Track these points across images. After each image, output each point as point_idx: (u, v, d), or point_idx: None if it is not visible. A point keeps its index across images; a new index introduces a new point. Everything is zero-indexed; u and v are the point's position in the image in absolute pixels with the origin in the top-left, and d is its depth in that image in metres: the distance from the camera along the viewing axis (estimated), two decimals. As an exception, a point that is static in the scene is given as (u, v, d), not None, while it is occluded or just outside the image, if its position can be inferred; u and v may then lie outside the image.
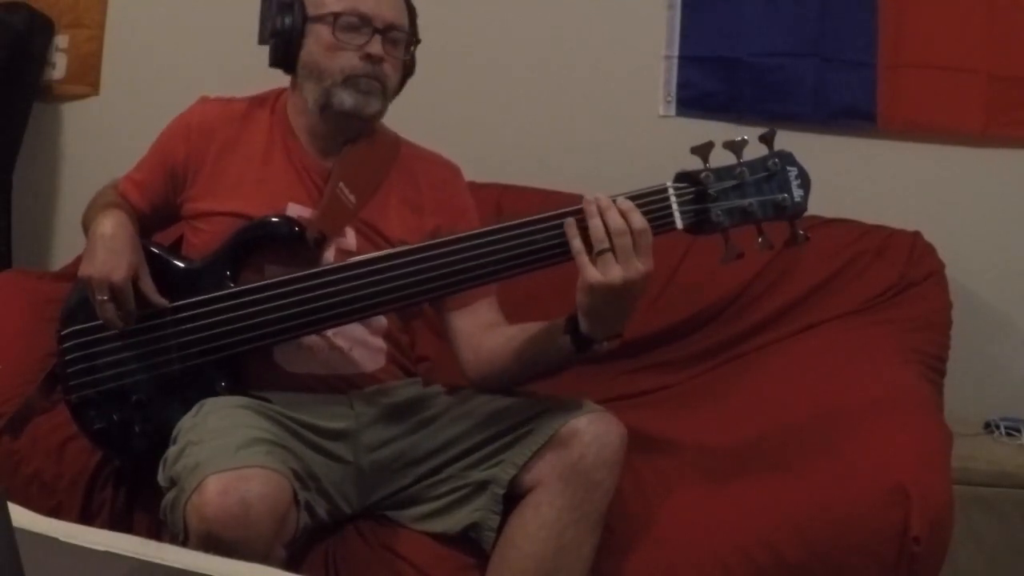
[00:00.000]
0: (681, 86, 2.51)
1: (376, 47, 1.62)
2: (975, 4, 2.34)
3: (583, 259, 1.41)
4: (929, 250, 2.25)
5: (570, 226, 1.43)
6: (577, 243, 1.42)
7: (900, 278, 2.18)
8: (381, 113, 1.69)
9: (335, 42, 1.62)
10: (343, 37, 1.62)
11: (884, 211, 2.33)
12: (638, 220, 1.40)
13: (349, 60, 1.62)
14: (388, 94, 1.67)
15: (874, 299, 2.16)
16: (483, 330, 1.67)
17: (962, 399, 2.16)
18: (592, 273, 1.40)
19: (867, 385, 1.78)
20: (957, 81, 2.35)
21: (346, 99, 1.63)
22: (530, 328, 1.61)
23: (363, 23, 1.62)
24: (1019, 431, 2.21)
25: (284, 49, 1.66)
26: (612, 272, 1.39)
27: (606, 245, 1.39)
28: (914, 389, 1.79)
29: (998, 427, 2.24)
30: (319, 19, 1.64)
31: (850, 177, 2.42)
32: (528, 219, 1.49)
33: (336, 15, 1.62)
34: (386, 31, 1.63)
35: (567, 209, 1.45)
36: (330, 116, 1.67)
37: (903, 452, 1.54)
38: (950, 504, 1.49)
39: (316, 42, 1.64)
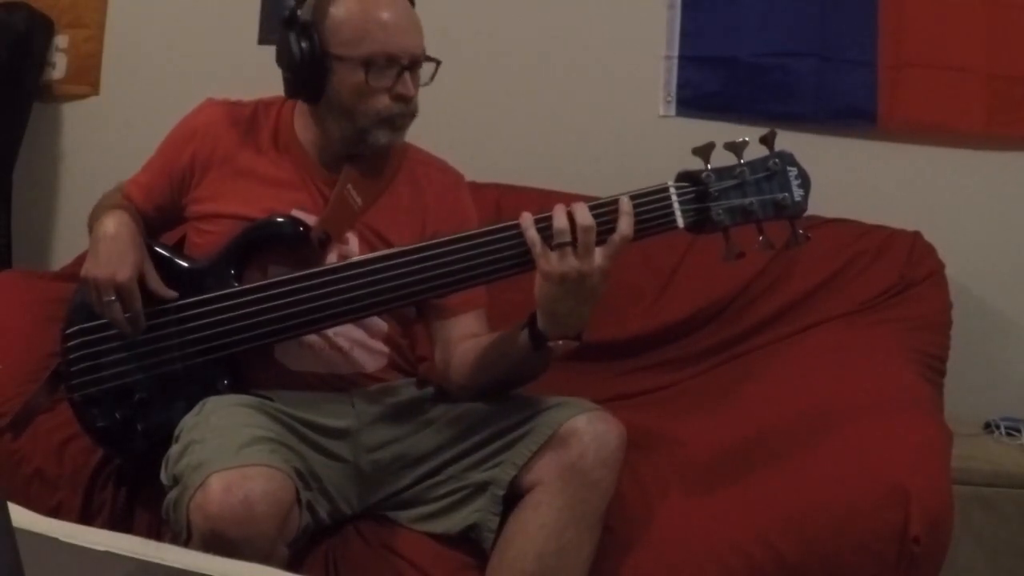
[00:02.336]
0: (681, 86, 2.51)
1: (407, 87, 1.60)
2: (975, 4, 2.34)
3: (537, 249, 1.43)
4: (929, 250, 2.25)
5: (525, 218, 1.45)
6: (532, 233, 1.44)
7: (900, 278, 2.18)
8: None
9: (367, 87, 1.59)
10: (375, 81, 1.58)
11: (884, 211, 2.33)
12: (584, 217, 1.42)
13: (382, 102, 1.59)
14: (414, 118, 1.66)
15: (874, 299, 2.16)
16: (464, 340, 1.67)
17: (962, 399, 2.15)
18: (546, 261, 1.42)
19: (867, 385, 1.78)
20: (958, 80, 2.35)
21: (381, 137, 1.62)
22: (499, 333, 1.62)
23: (391, 63, 1.59)
24: (1019, 431, 2.21)
25: (307, 82, 1.62)
26: (567, 262, 1.41)
27: (567, 239, 1.41)
28: (914, 389, 1.79)
29: (998, 427, 2.24)
30: (344, 60, 1.59)
31: (850, 177, 2.42)
32: (489, 228, 1.50)
33: (366, 62, 1.57)
34: (412, 65, 1.61)
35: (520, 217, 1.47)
36: (357, 146, 1.65)
37: (903, 452, 1.54)
38: (950, 504, 1.49)
39: (344, 84, 1.60)
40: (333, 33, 1.60)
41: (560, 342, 1.49)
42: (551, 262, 1.41)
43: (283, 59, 1.63)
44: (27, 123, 2.79)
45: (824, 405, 1.74)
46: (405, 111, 1.62)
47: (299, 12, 1.62)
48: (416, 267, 1.52)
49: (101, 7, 2.80)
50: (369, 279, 1.54)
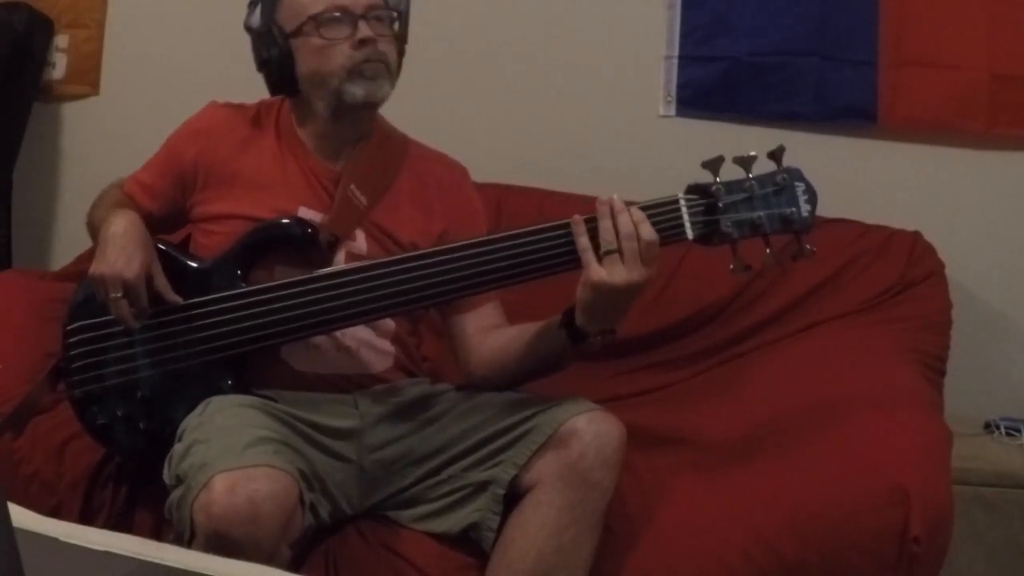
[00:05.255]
0: (681, 86, 2.51)
1: (365, 31, 1.61)
2: (976, 2, 2.33)
3: (588, 256, 1.44)
4: (929, 250, 2.25)
5: (577, 224, 1.46)
6: (583, 240, 1.44)
7: (900, 278, 2.18)
8: (389, 94, 1.68)
9: (325, 43, 1.61)
10: (330, 35, 1.61)
11: (884, 211, 2.33)
12: (647, 231, 1.43)
13: (344, 53, 1.61)
14: (392, 72, 1.66)
15: (874, 299, 2.16)
16: (486, 332, 1.68)
17: (962, 399, 2.15)
18: (597, 271, 1.42)
19: (867, 385, 1.78)
20: (959, 80, 2.35)
21: (357, 91, 1.62)
22: (529, 327, 1.62)
23: (344, 14, 1.61)
24: (1019, 431, 2.21)
25: (279, 76, 1.66)
26: (617, 273, 1.42)
27: (614, 247, 1.42)
28: (914, 389, 1.79)
29: (998, 427, 2.24)
30: (299, 31, 1.63)
31: (850, 177, 2.42)
32: (535, 227, 1.51)
33: (315, 17, 1.61)
34: (367, 14, 1.62)
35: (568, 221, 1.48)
36: (345, 114, 1.66)
37: (903, 452, 1.55)
38: (950, 504, 1.49)
39: (306, 53, 1.63)
40: (285, 15, 1.65)
41: (599, 337, 1.51)
42: (601, 272, 1.42)
43: (256, 63, 1.69)
44: (27, 123, 2.79)
45: (824, 405, 1.74)
46: (371, 56, 1.62)
47: (255, 12, 1.67)
48: (437, 269, 1.53)
49: (101, 7, 2.80)
50: (386, 281, 1.55)
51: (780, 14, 2.42)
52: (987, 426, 2.27)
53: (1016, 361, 2.42)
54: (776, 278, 2.22)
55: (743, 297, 2.22)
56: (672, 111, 2.53)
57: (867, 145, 2.44)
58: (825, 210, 2.16)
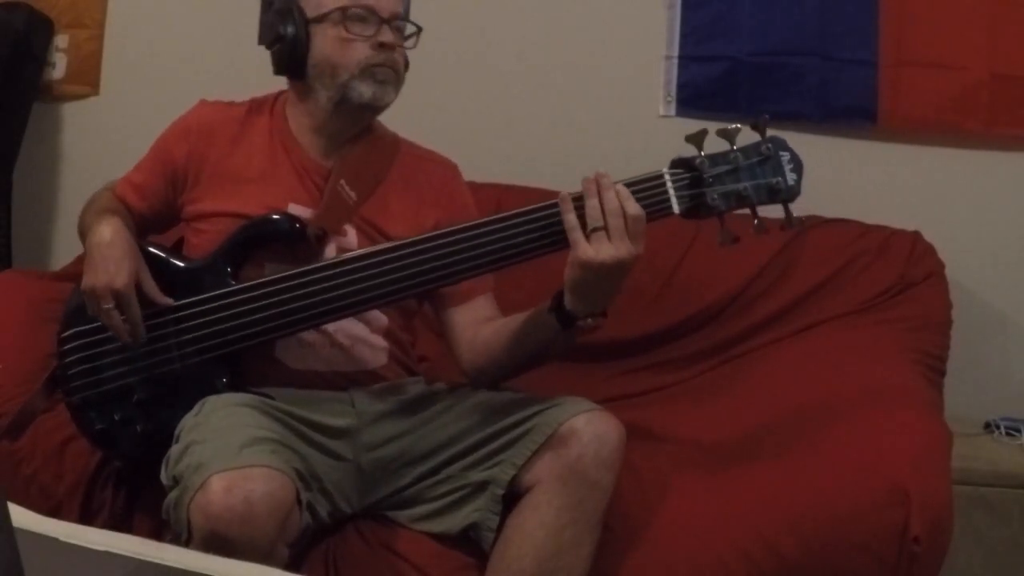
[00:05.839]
0: (681, 86, 2.51)
1: (388, 35, 1.63)
2: (977, 2, 2.34)
3: (576, 235, 1.44)
4: (929, 250, 2.25)
5: (565, 201, 1.46)
6: (571, 218, 1.45)
7: (900, 278, 2.19)
8: (392, 101, 1.69)
9: (347, 36, 1.63)
10: (354, 29, 1.63)
11: (884, 211, 2.33)
12: (633, 207, 1.43)
13: (363, 51, 1.63)
14: (400, 82, 1.68)
15: (874, 299, 2.16)
16: (479, 324, 1.69)
17: (962, 399, 2.16)
18: (585, 249, 1.43)
19: (867, 385, 1.78)
20: (959, 79, 2.35)
21: (364, 91, 1.64)
22: (519, 315, 1.63)
23: (369, 14, 1.63)
24: (1019, 431, 2.21)
25: (290, 55, 1.66)
26: (604, 250, 1.42)
27: (600, 223, 1.43)
28: (914, 389, 1.79)
29: (998, 427, 2.24)
30: (323, 18, 1.64)
31: (850, 177, 2.42)
32: (521, 209, 1.51)
33: (343, 9, 1.63)
34: (391, 20, 1.65)
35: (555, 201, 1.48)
36: (345, 111, 1.67)
37: (903, 452, 1.55)
38: (950, 504, 1.49)
39: (324, 40, 1.64)
40: (309, 0, 1.66)
41: (589, 320, 1.50)
42: (589, 249, 1.42)
43: (266, 37, 1.69)
44: (27, 123, 2.79)
45: (824, 405, 1.74)
46: (386, 61, 1.64)
47: None
48: (425, 256, 1.53)
49: (101, 7, 2.81)
50: (376, 271, 1.55)
51: (780, 14, 2.42)
52: (987, 426, 2.27)
53: (1016, 361, 2.42)
54: (776, 278, 2.22)
55: (743, 297, 2.22)
56: (672, 111, 2.53)
57: (867, 145, 2.44)
58: (825, 210, 2.19)
